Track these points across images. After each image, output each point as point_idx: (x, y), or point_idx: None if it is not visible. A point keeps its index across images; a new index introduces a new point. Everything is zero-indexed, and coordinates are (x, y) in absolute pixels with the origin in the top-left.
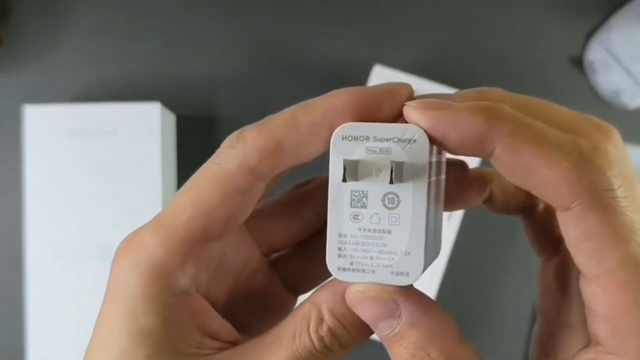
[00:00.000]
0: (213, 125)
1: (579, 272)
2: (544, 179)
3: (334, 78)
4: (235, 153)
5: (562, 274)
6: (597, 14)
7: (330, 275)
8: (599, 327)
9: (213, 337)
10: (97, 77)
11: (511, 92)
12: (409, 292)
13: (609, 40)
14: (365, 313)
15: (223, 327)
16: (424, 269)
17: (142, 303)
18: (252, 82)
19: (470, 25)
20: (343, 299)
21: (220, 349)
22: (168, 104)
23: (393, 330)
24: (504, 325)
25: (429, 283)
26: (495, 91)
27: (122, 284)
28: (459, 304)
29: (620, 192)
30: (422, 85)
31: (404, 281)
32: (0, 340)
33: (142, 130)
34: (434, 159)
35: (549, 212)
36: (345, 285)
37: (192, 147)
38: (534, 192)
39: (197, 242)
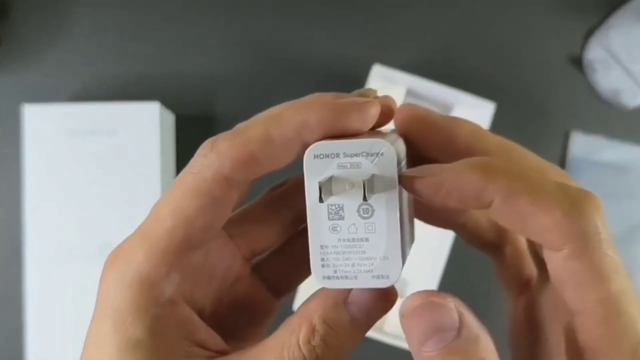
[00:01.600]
0: (212, 125)
1: (549, 309)
2: (539, 226)
3: (334, 78)
4: (209, 162)
5: (531, 311)
6: (596, 13)
7: (311, 274)
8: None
9: (201, 346)
10: (97, 77)
11: (483, 132)
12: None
13: (608, 40)
14: (422, 324)
15: (210, 336)
16: (402, 268)
17: (130, 315)
18: (252, 82)
19: (470, 25)
20: (334, 305)
21: (209, 358)
22: (167, 103)
23: (446, 344)
24: (504, 324)
25: (428, 281)
26: (467, 128)
27: (110, 298)
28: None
29: (603, 235)
30: (422, 85)
31: (385, 283)
32: (0, 339)
33: (141, 129)
34: (404, 162)
35: (517, 254)
36: (334, 293)
37: (192, 146)
38: (528, 237)
39: (179, 251)
